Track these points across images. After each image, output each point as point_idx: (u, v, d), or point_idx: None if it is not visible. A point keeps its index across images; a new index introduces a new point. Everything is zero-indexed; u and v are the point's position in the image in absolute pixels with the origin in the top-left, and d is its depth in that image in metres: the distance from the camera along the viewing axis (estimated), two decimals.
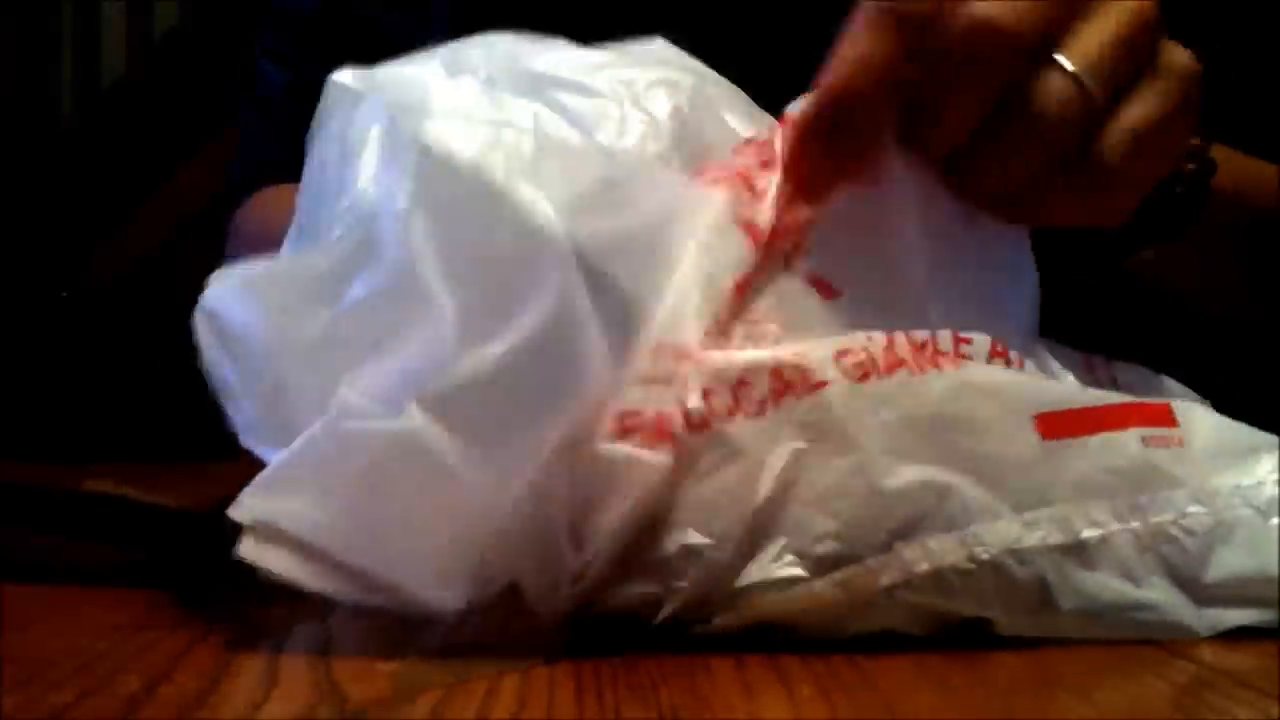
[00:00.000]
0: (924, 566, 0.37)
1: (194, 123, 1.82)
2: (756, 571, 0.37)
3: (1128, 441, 0.40)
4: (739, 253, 0.40)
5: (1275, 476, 0.41)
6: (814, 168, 0.41)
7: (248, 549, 0.36)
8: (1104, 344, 0.46)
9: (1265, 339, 0.62)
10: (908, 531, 0.37)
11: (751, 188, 0.41)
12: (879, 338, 0.40)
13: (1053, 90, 0.41)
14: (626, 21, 0.46)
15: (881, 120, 0.41)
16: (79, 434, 1.47)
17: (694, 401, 0.37)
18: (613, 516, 0.37)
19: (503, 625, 0.38)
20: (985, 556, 0.38)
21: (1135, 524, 0.39)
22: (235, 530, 0.36)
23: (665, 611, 0.37)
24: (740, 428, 0.38)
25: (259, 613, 0.40)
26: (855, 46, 0.41)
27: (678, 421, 0.37)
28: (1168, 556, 0.39)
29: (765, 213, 0.41)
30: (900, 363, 0.39)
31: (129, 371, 1.63)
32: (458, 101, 0.40)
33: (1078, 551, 0.38)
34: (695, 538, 0.37)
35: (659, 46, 0.45)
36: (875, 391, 0.38)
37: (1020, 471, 0.39)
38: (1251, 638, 0.39)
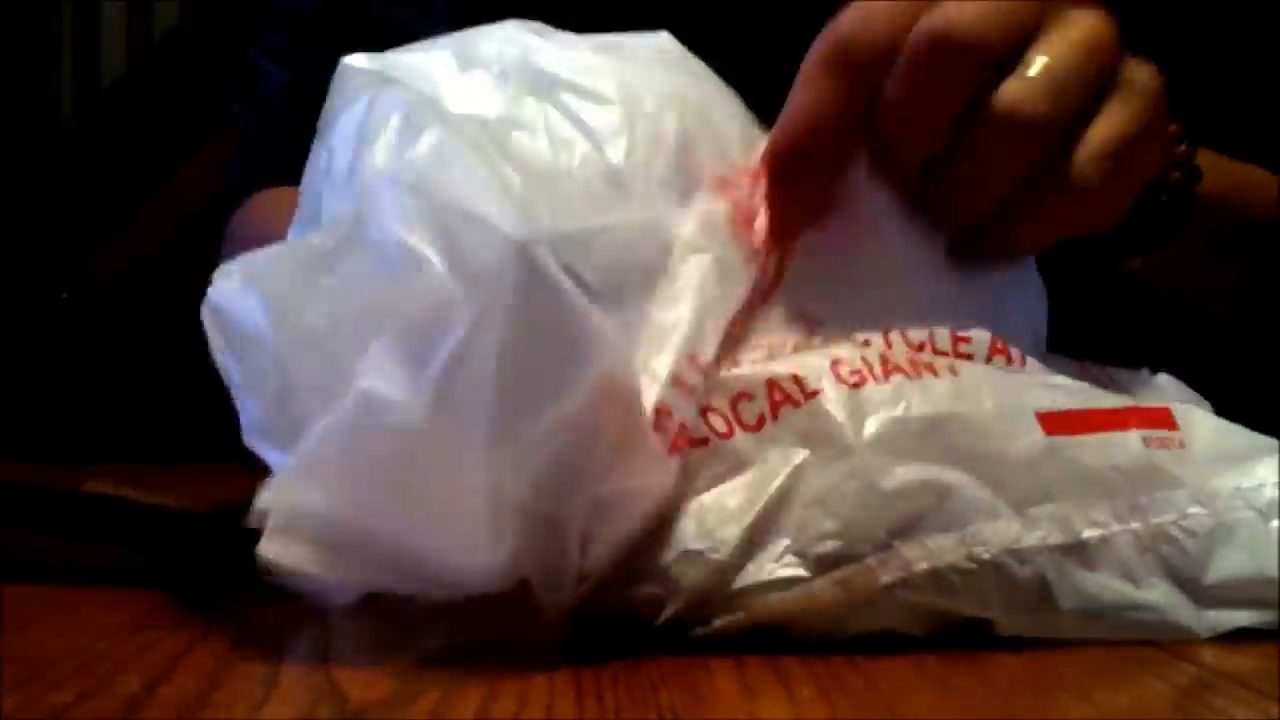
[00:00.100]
0: (924, 565, 0.37)
1: (194, 123, 1.82)
2: (757, 572, 0.37)
3: (1129, 441, 0.41)
4: (743, 276, 0.41)
5: (1276, 479, 0.41)
6: (778, 211, 0.42)
7: (269, 548, 0.36)
8: (1101, 346, 0.46)
9: (1263, 338, 0.62)
10: (907, 530, 0.37)
11: (746, 217, 0.41)
12: (876, 341, 0.40)
13: (1019, 94, 0.41)
14: (630, 16, 0.46)
15: (843, 158, 0.42)
16: (79, 434, 1.47)
17: (691, 419, 0.38)
18: (624, 517, 0.37)
19: (504, 625, 0.38)
20: (985, 556, 0.38)
21: (1136, 524, 0.39)
22: (244, 531, 0.36)
23: (667, 612, 0.37)
24: (740, 441, 0.38)
25: (259, 613, 0.40)
26: (806, 92, 0.41)
27: (665, 438, 0.38)
28: (1168, 557, 0.39)
29: (758, 241, 0.41)
30: (896, 369, 0.40)
31: (129, 371, 1.63)
32: (470, 98, 0.40)
33: (1078, 551, 0.38)
34: (696, 543, 0.37)
35: (665, 41, 0.45)
36: (871, 396, 0.39)
37: (1021, 468, 0.39)
38: (1252, 639, 0.39)
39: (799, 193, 0.42)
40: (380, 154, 0.39)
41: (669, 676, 0.34)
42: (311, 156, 0.43)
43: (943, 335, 0.41)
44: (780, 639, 0.37)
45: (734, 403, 0.39)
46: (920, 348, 0.41)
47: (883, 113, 0.42)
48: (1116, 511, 0.39)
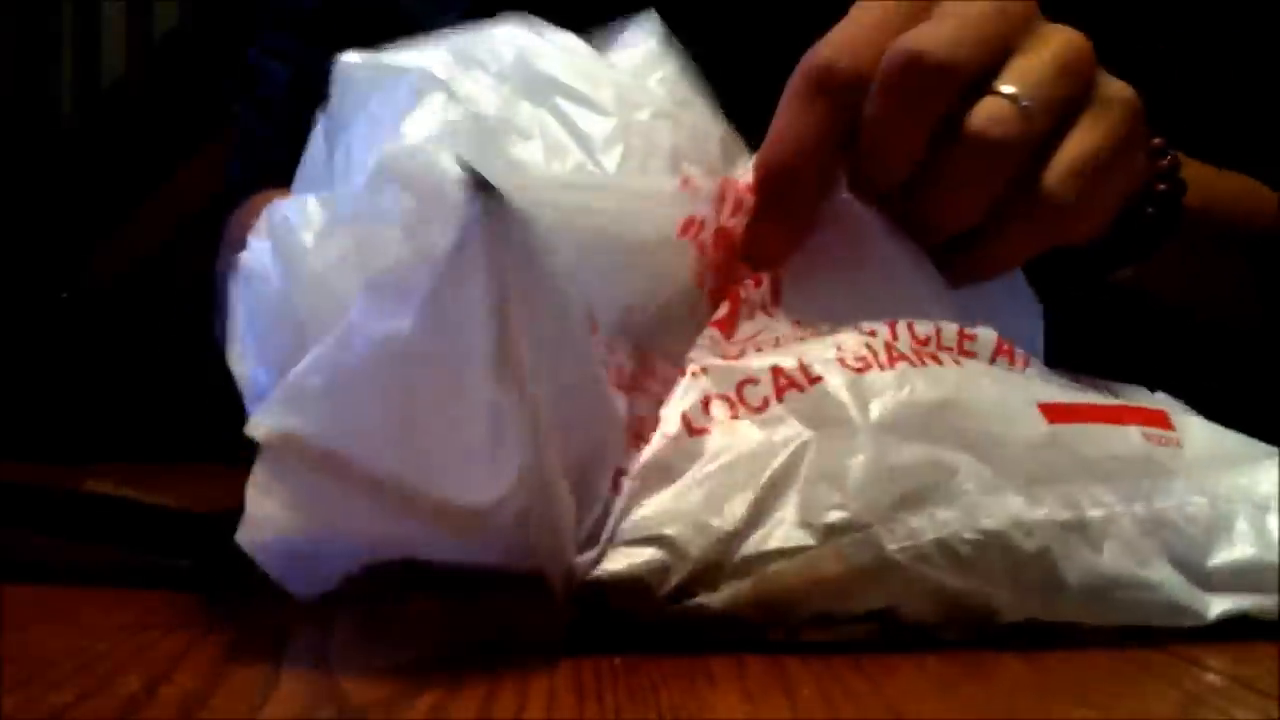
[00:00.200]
0: (929, 535, 0.37)
1: (194, 123, 1.82)
2: (762, 540, 0.37)
3: (1129, 434, 0.41)
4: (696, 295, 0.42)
5: (1273, 479, 0.41)
6: (764, 236, 0.43)
7: (246, 535, 0.35)
8: (1095, 357, 0.47)
9: (1258, 346, 0.62)
10: (913, 503, 0.38)
11: (719, 241, 0.42)
12: (882, 332, 0.41)
13: (992, 114, 0.42)
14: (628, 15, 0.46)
15: (828, 180, 0.43)
16: (79, 434, 1.47)
17: (692, 409, 0.39)
18: (613, 463, 0.38)
19: (505, 621, 0.38)
20: (991, 526, 0.38)
21: (1138, 507, 0.40)
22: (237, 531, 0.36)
23: (672, 581, 0.37)
24: (745, 422, 0.39)
25: (259, 613, 0.40)
26: (788, 117, 0.43)
27: (672, 427, 0.39)
28: (1170, 541, 0.40)
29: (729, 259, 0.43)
30: (901, 357, 0.40)
31: (129, 371, 1.63)
32: (471, 97, 0.40)
33: (1082, 529, 0.39)
34: (703, 514, 0.38)
35: (656, 37, 0.45)
36: (875, 381, 0.39)
37: (1024, 452, 0.39)
38: (1252, 640, 0.39)
39: (786, 215, 0.43)
40: (385, 130, 0.39)
41: (669, 676, 0.34)
42: (310, 149, 0.43)
43: (949, 331, 0.42)
44: (780, 639, 0.37)
45: (739, 387, 0.40)
46: (925, 342, 0.41)
47: (861, 135, 0.42)
48: (1119, 493, 0.40)
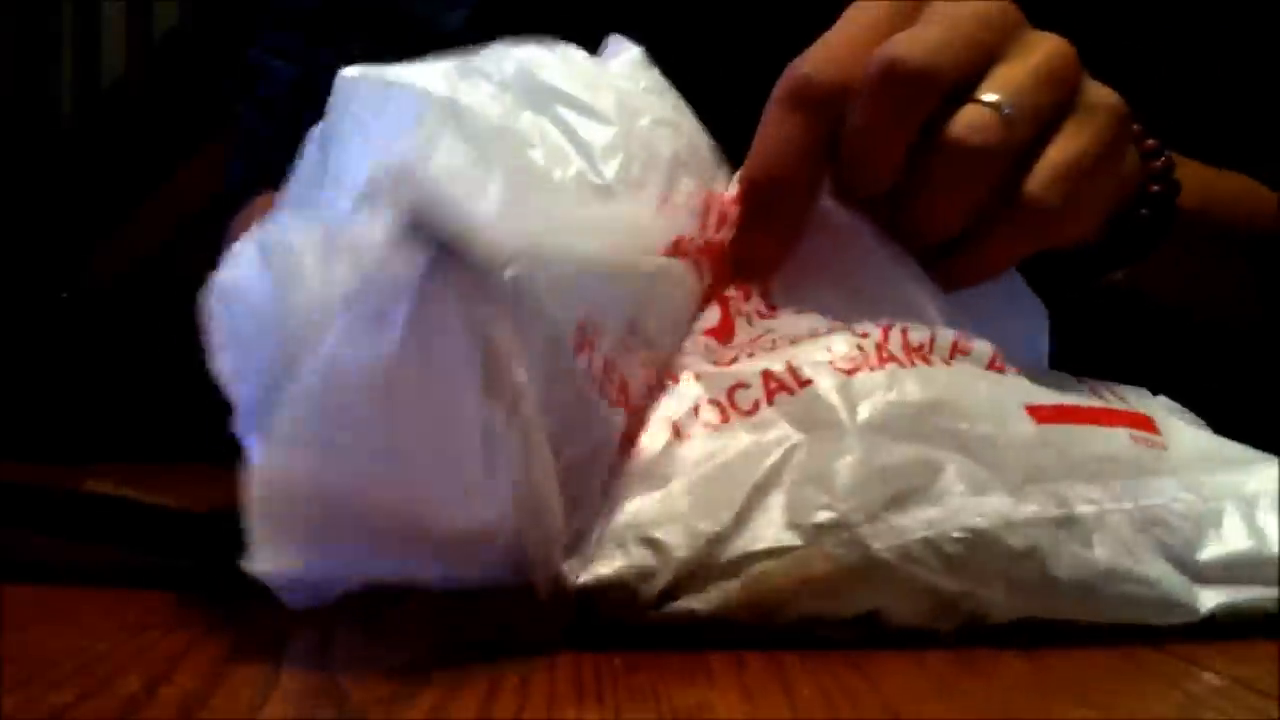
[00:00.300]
0: (918, 534, 0.37)
1: (194, 123, 1.82)
2: (750, 541, 0.37)
3: (1117, 434, 0.42)
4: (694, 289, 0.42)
5: (1261, 478, 0.42)
6: (753, 246, 0.43)
7: (258, 562, 0.36)
8: (1092, 359, 0.47)
9: (1257, 346, 0.62)
10: (901, 503, 0.38)
11: (708, 252, 0.43)
12: (874, 334, 0.41)
13: (972, 122, 0.42)
14: (643, 16, 0.46)
15: (814, 190, 0.43)
16: (79, 434, 1.47)
17: (683, 415, 0.39)
18: (602, 472, 0.38)
19: (505, 620, 0.38)
20: (980, 525, 0.38)
21: (1127, 504, 0.40)
22: (243, 531, 0.36)
23: (660, 584, 0.37)
24: (735, 426, 0.39)
25: (259, 613, 0.40)
26: (772, 131, 0.43)
27: (661, 434, 0.39)
28: (1161, 538, 0.40)
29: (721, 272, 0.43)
30: (891, 358, 0.40)
31: (129, 371, 1.63)
32: (473, 107, 0.40)
33: (1072, 525, 0.39)
34: (690, 516, 0.38)
35: (640, 61, 0.45)
36: (865, 382, 0.40)
37: (1013, 452, 0.39)
38: (1252, 640, 0.39)
39: (774, 225, 0.43)
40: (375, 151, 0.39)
41: (669, 676, 0.34)
42: (304, 157, 0.43)
43: (944, 341, 0.42)
44: (781, 638, 0.37)
45: (730, 392, 0.40)
46: (919, 349, 0.41)
47: (844, 144, 0.43)
48: (1108, 492, 0.40)
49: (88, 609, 0.42)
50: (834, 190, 0.44)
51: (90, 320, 1.75)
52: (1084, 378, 0.46)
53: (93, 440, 1.39)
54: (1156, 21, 0.61)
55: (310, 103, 0.44)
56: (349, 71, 0.43)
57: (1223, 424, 0.46)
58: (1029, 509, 0.38)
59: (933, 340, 0.42)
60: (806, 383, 0.39)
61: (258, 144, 0.77)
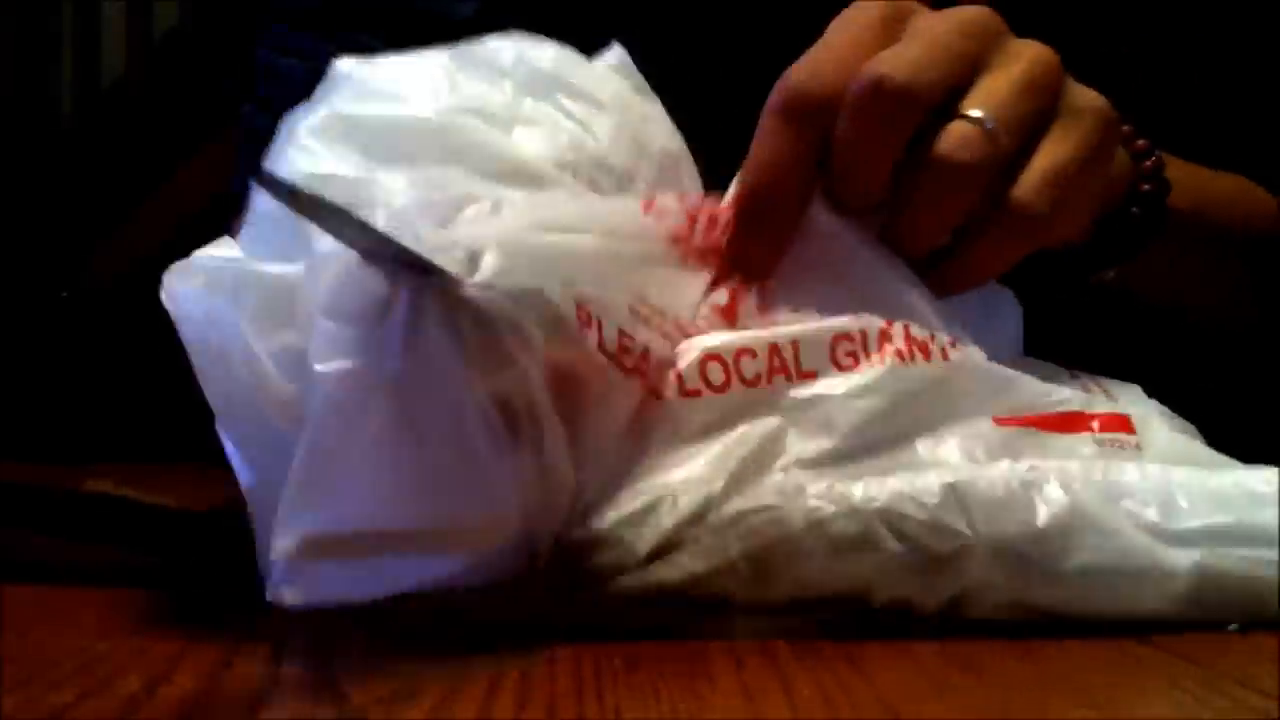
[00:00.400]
0: (904, 488, 0.39)
1: (194, 123, 1.82)
2: (743, 500, 0.39)
3: (1084, 440, 0.43)
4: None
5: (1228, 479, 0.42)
6: (747, 252, 0.44)
7: (288, 596, 0.36)
8: (1082, 358, 0.47)
9: (1250, 345, 0.62)
10: (889, 469, 0.40)
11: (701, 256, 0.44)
12: (877, 324, 0.42)
13: (958, 136, 0.43)
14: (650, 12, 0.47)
15: (806, 200, 0.44)
16: (79, 434, 1.47)
17: (688, 369, 0.40)
18: (603, 433, 0.39)
19: (506, 611, 0.38)
20: (961, 478, 0.39)
21: (1097, 477, 0.40)
22: (243, 531, 0.36)
23: (653, 539, 0.38)
24: (734, 396, 0.41)
25: (259, 613, 0.40)
26: (764, 141, 0.44)
27: (671, 381, 0.40)
28: (1133, 511, 0.40)
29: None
30: (892, 351, 0.42)
31: (129, 371, 1.63)
32: (465, 95, 0.41)
33: (1049, 479, 0.40)
34: (687, 475, 0.39)
35: (622, 62, 0.46)
36: (862, 379, 0.41)
37: (983, 440, 0.42)
38: (1251, 638, 0.39)
39: (767, 232, 0.44)
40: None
41: (669, 676, 0.34)
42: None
43: (940, 344, 0.43)
44: (777, 629, 0.37)
45: (736, 356, 0.41)
46: (923, 345, 0.42)
47: (832, 157, 0.43)
48: (1078, 468, 0.41)
49: (88, 609, 0.42)
50: (827, 198, 0.44)
51: (90, 320, 1.75)
52: (1076, 370, 0.46)
53: (93, 440, 1.39)
54: (1157, 22, 0.61)
55: None
56: (342, 64, 0.43)
57: (1216, 426, 0.46)
58: (1002, 465, 0.40)
59: (933, 338, 0.43)
60: (806, 375, 0.41)
61: (263, 146, 0.77)
